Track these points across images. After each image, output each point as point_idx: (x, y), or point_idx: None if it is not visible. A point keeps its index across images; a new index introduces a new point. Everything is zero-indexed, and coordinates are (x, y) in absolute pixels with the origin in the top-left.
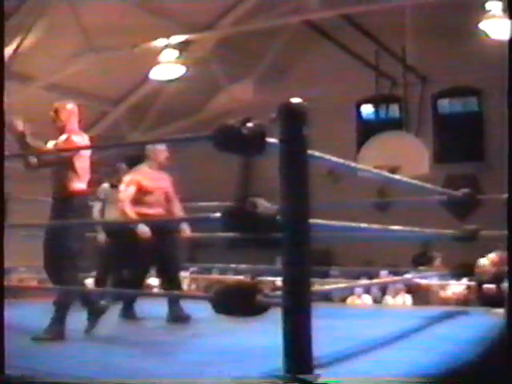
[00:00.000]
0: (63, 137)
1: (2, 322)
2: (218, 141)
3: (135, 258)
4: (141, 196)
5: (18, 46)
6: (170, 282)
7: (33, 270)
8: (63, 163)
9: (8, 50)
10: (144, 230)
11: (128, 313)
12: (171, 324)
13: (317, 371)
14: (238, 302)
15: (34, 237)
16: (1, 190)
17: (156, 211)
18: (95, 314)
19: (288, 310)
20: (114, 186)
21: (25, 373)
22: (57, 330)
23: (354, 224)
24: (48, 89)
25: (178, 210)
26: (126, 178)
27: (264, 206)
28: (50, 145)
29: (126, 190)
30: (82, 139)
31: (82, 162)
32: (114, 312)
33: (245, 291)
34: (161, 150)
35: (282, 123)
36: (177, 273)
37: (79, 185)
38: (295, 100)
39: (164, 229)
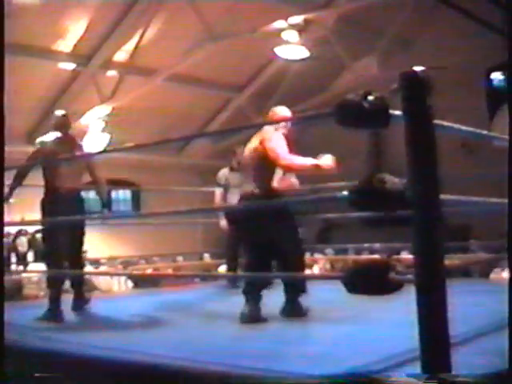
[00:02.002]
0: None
1: (2, 319)
2: (339, 116)
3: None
4: None
5: (138, 41)
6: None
7: (167, 258)
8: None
9: (129, 45)
10: None
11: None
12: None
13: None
14: (369, 281)
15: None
16: (0, 189)
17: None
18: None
19: (421, 288)
20: (233, 170)
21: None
22: None
23: (485, 199)
24: (170, 80)
25: None
26: (275, 135)
27: (392, 181)
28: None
29: (280, 142)
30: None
31: (55, 162)
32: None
33: (376, 269)
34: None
35: (403, 93)
36: None
37: (59, 183)
38: (417, 68)
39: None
